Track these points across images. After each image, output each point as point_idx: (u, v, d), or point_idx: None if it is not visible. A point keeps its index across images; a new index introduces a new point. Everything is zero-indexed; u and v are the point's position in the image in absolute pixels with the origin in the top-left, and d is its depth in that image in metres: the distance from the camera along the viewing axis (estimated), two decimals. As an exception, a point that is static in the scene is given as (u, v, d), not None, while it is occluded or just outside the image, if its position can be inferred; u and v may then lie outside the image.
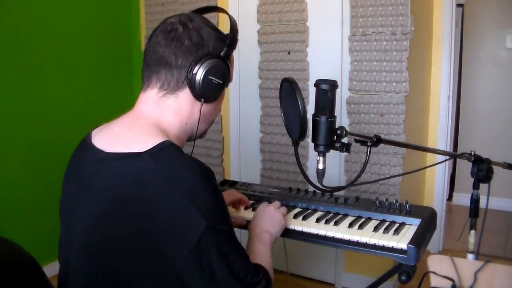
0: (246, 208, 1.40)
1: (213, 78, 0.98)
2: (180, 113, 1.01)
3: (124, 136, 0.97)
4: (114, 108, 2.93)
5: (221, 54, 1.00)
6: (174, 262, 0.87)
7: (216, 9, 1.16)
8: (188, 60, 0.97)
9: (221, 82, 1.00)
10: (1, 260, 0.89)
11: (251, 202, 1.45)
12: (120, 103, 2.99)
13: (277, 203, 1.30)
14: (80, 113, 2.75)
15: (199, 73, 0.97)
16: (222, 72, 1.00)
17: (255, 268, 0.96)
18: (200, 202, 0.88)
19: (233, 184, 1.58)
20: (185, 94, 1.00)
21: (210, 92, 1.00)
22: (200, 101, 1.00)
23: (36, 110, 2.56)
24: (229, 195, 1.38)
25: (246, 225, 1.29)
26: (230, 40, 1.02)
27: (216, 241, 0.89)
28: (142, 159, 0.90)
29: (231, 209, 1.39)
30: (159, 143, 0.92)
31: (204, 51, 0.98)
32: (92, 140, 1.01)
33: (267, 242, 1.14)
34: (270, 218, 1.21)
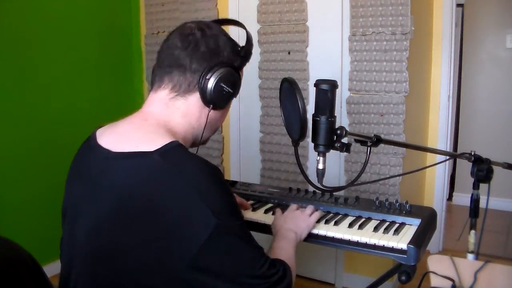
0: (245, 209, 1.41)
1: (225, 86, 1.00)
2: (188, 116, 1.02)
3: (132, 135, 0.98)
4: (114, 108, 2.95)
5: (235, 65, 1.03)
6: (184, 260, 0.88)
7: (235, 23, 1.17)
8: (202, 66, 0.99)
9: (231, 91, 1.03)
10: (1, 260, 0.89)
11: (251, 202, 1.45)
12: (120, 103, 2.99)
13: (310, 208, 1.29)
14: (80, 112, 2.75)
15: (212, 79, 0.99)
16: (234, 82, 1.03)
17: (271, 261, 0.97)
18: (210, 200, 0.88)
19: (233, 184, 1.58)
20: (195, 98, 1.01)
21: (219, 100, 1.02)
22: (209, 107, 1.02)
23: (36, 110, 2.56)
24: None
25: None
26: (245, 52, 1.05)
27: (226, 237, 0.89)
28: (151, 158, 0.91)
29: None
30: (168, 143, 0.93)
31: (219, 59, 1.00)
32: (98, 140, 1.01)
33: (291, 240, 1.15)
34: (295, 219, 1.23)
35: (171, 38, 1.03)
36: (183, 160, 0.92)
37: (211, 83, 0.99)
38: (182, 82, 1.00)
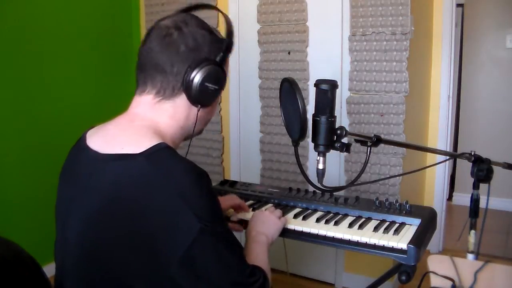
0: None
1: (209, 85, 0.97)
2: (177, 117, 1.01)
3: (119, 137, 0.97)
4: (114, 108, 2.91)
5: (217, 60, 0.99)
6: (169, 263, 0.87)
7: (210, 7, 1.13)
8: (184, 67, 0.96)
9: (217, 87, 1.00)
10: (1, 260, 0.89)
11: (250, 202, 1.45)
12: (120, 103, 2.96)
13: (271, 208, 1.32)
14: (80, 112, 2.75)
15: (195, 80, 0.96)
16: (218, 78, 0.99)
17: (252, 268, 0.97)
18: (195, 204, 0.87)
19: (233, 184, 1.58)
20: (182, 100, 0.99)
21: (206, 98, 1.00)
22: (197, 107, 1.00)
23: (36, 110, 2.56)
24: (230, 199, 1.38)
25: (243, 229, 1.30)
26: (227, 44, 1.00)
27: (210, 243, 0.89)
28: (137, 160, 0.90)
29: (231, 211, 1.39)
30: (155, 145, 0.91)
31: (200, 57, 0.97)
32: (87, 142, 1.00)
33: (264, 244, 1.15)
34: (265, 221, 1.22)
35: (148, 41, 0.99)
36: (169, 163, 0.90)
37: (195, 84, 0.96)
38: (166, 87, 0.98)
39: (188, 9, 1.09)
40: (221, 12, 1.06)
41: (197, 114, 1.01)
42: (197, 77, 0.96)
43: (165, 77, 0.97)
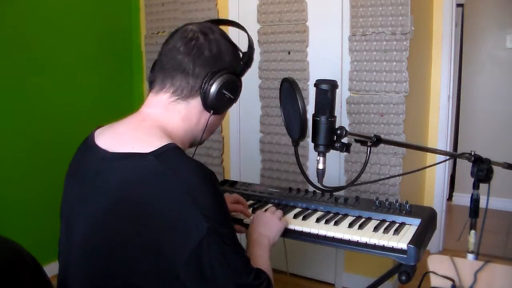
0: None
1: (226, 93, 1.01)
2: (188, 120, 1.03)
3: (129, 136, 0.98)
4: (114, 108, 2.95)
5: (238, 71, 1.04)
6: (175, 263, 0.88)
7: (237, 25, 1.17)
8: (205, 71, 1.00)
9: (233, 97, 1.04)
10: (1, 260, 0.89)
11: (250, 202, 1.45)
12: (120, 103, 2.99)
13: (272, 208, 1.32)
14: (80, 113, 2.75)
15: (214, 85, 0.99)
16: (235, 88, 1.04)
17: (256, 271, 0.97)
18: (203, 205, 0.88)
19: (233, 184, 1.58)
20: (196, 103, 1.02)
21: (221, 105, 1.03)
22: (209, 112, 1.02)
23: (36, 110, 2.56)
24: (228, 196, 1.38)
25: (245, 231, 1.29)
26: (247, 59, 1.06)
27: (217, 244, 0.89)
28: (146, 159, 0.90)
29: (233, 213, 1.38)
30: (164, 145, 0.93)
31: (221, 64, 1.01)
32: (96, 140, 1.01)
33: (266, 246, 1.15)
34: (267, 223, 1.22)
35: (173, 41, 1.02)
36: (179, 163, 0.91)
37: (213, 89, 0.99)
38: (184, 87, 1.00)
39: (213, 22, 1.12)
40: (243, 29, 1.12)
41: (208, 119, 1.04)
42: (216, 83, 0.99)
43: (185, 78, 1.00)
